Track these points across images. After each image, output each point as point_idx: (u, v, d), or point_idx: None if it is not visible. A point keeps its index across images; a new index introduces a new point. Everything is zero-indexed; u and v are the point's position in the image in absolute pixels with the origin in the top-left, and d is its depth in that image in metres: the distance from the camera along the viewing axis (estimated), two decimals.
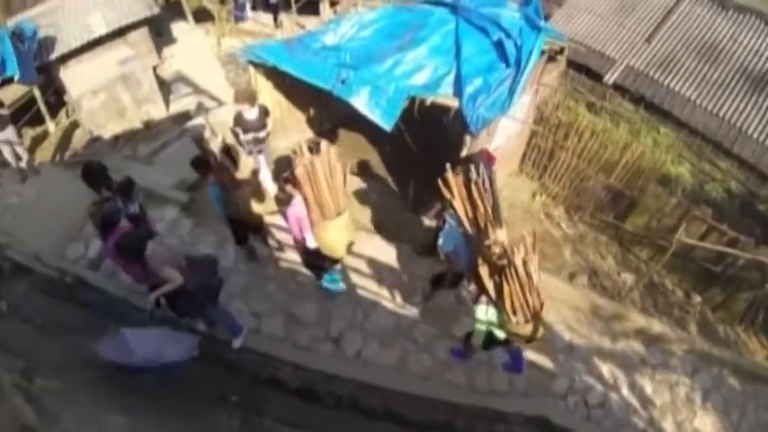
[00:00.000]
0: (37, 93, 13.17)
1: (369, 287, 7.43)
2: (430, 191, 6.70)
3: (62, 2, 14.72)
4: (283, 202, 6.46)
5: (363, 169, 9.17)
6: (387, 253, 7.92)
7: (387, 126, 6.65)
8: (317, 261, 6.52)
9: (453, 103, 6.82)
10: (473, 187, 5.20)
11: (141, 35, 14.46)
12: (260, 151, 7.91)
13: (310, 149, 5.57)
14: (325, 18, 16.00)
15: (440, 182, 5.38)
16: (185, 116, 12.75)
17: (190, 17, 17.49)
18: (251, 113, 7.51)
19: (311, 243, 6.08)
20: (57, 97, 14.23)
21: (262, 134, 7.71)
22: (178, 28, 17.32)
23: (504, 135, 7.96)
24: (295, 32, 14.83)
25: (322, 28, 8.25)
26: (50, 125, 13.64)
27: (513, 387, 6.68)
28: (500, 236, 5.00)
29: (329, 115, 9.69)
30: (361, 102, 6.71)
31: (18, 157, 10.34)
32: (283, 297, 7.25)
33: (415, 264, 7.75)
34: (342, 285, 7.23)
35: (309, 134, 9.69)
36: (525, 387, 6.70)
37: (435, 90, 6.94)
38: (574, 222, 9.24)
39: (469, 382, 6.58)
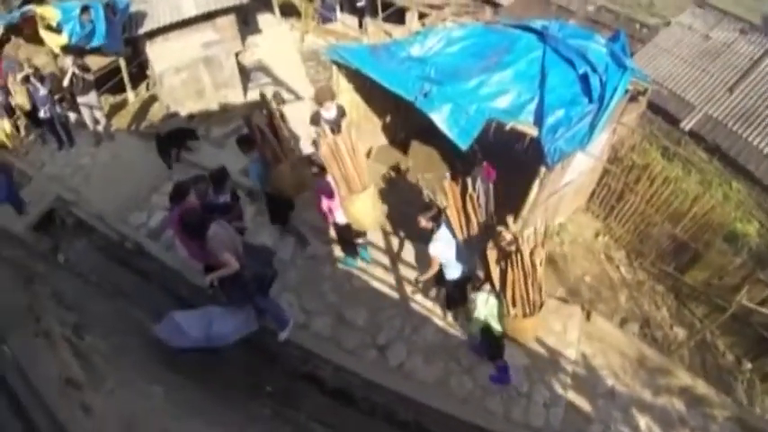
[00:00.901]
0: (122, 63, 13.72)
1: (422, 302, 7.41)
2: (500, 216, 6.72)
3: None
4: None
5: (432, 185, 9.08)
6: None
7: (463, 145, 6.63)
8: (348, 235, 7.13)
9: (533, 131, 6.75)
10: (468, 200, 5.50)
11: (228, 21, 14.84)
12: None
13: (332, 130, 6.37)
14: (412, 28, 16.10)
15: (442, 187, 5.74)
16: (261, 105, 12.80)
17: (277, 10, 17.89)
18: (329, 112, 7.61)
19: (341, 219, 6.67)
20: (139, 70, 14.77)
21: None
22: (264, 19, 17.72)
23: (577, 170, 7.85)
24: (379, 38, 15.02)
25: (409, 39, 8.30)
26: (130, 95, 14.15)
27: (548, 424, 6.55)
28: (511, 225, 5.33)
29: (404, 125, 9.72)
30: (441, 117, 6.71)
31: (96, 121, 10.74)
32: (336, 298, 7.31)
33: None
34: (362, 260, 7.66)
35: (383, 140, 9.73)
36: (560, 426, 6.55)
37: (516, 116, 6.89)
38: (633, 268, 9.03)
39: (506, 412, 6.48)
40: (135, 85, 14.49)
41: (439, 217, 6.05)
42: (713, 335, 8.55)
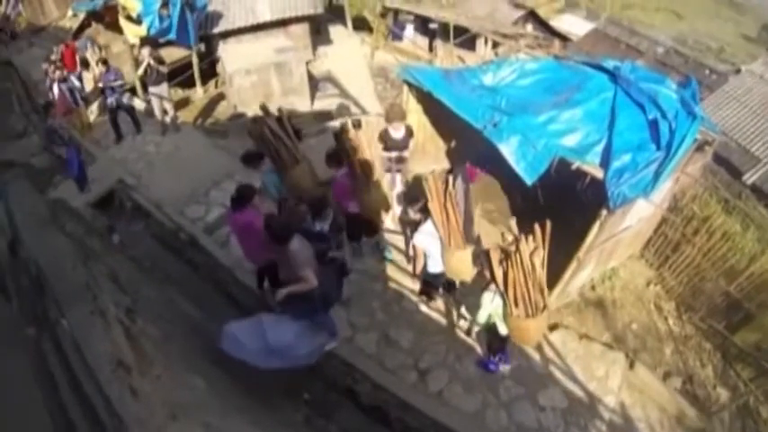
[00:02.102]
0: (194, 59, 14.16)
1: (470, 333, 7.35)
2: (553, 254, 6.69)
3: None
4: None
5: (491, 215, 9.10)
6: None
7: (529, 180, 6.60)
8: (358, 228, 7.43)
9: (598, 174, 6.68)
10: (447, 197, 5.83)
11: (301, 30, 15.17)
12: (398, 170, 8.07)
13: (354, 126, 6.78)
14: (484, 56, 16.12)
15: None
16: (327, 115, 13.12)
17: (349, 23, 18.17)
18: (398, 132, 7.70)
19: (354, 209, 7.02)
20: (210, 67, 15.21)
21: (405, 153, 7.91)
22: (336, 31, 17.99)
23: (636, 216, 7.72)
24: (449, 61, 15.07)
25: (482, 67, 8.33)
26: (199, 90, 14.58)
27: None
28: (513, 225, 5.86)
29: (467, 152, 9.63)
30: (509, 149, 6.67)
31: (164, 112, 11.08)
32: (384, 317, 7.34)
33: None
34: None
35: (446, 164, 9.74)
36: None
37: (583, 156, 6.82)
38: (682, 321, 8.80)
39: None
40: (204, 82, 14.93)
41: (426, 210, 6.24)
42: (757, 400, 8.28)
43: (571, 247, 7.29)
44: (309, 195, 6.72)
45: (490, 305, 5.72)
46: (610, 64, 7.80)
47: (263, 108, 7.12)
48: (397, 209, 8.33)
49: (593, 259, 7.57)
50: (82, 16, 16.55)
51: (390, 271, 7.95)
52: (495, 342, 6.41)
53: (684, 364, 8.33)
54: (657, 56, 18.19)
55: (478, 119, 7.06)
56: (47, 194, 9.32)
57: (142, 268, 8.12)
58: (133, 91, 11.63)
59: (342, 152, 6.73)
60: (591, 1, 48.22)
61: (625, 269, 9.13)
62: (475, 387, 6.70)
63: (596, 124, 7.08)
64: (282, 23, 14.85)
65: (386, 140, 7.72)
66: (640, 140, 6.98)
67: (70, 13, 17.79)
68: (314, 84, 14.64)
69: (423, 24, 18.61)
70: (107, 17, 14.94)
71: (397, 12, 21.05)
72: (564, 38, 26.03)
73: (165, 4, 12.73)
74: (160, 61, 10.78)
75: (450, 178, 5.98)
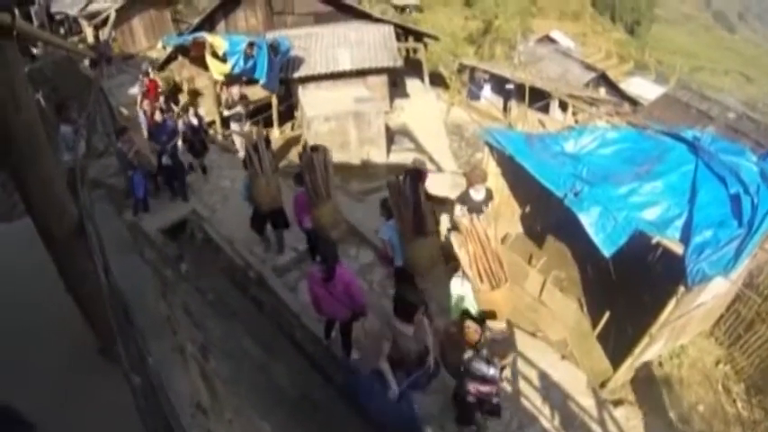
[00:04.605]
0: (274, 101, 14.66)
1: (533, 401, 7.14)
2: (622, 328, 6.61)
3: (319, 31, 16.45)
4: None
5: (561, 283, 8.97)
6: (567, 376, 7.57)
7: (607, 252, 6.50)
8: (315, 237, 7.95)
9: (678, 249, 6.53)
10: (400, 196, 6.61)
11: (380, 81, 15.65)
12: None
13: (313, 149, 7.55)
14: (554, 117, 16.15)
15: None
16: (402, 168, 12.89)
17: (426, 78, 18.54)
18: (479, 194, 7.70)
19: (307, 224, 7.78)
20: (288, 110, 15.68)
21: (482, 217, 7.86)
22: (412, 85, 18.43)
23: (711, 293, 7.49)
24: (524, 123, 15.14)
25: (564, 134, 8.33)
26: (275, 131, 15.01)
27: None
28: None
29: (542, 217, 9.69)
30: (589, 220, 6.61)
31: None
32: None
33: (585, 396, 7.38)
34: None
35: (519, 228, 9.73)
36: None
37: (663, 230, 6.69)
38: (752, 404, 8.38)
39: None
40: (281, 123, 15.40)
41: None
42: None
43: (640, 320, 7.14)
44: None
45: (460, 288, 6.13)
46: (689, 134, 7.69)
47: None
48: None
49: (664, 335, 7.36)
50: (169, 49, 17.55)
51: None
52: None
53: None
54: (729, 121, 17.83)
55: (560, 186, 7.04)
56: (123, 216, 9.59)
57: (208, 301, 8.25)
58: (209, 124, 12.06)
59: (302, 172, 7.46)
60: (660, 63, 47.93)
61: (694, 346, 8.80)
62: None
63: (677, 198, 6.94)
64: (362, 74, 15.37)
65: (466, 202, 7.74)
66: (722, 216, 6.79)
67: (160, 45, 18.84)
68: (390, 136, 14.78)
69: (498, 84, 18.83)
70: (193, 52, 15.58)
71: (473, 69, 21.58)
72: (635, 102, 25.91)
73: (250, 46, 13.25)
74: (246, 101, 11.19)
75: (401, 179, 6.79)
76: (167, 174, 10.56)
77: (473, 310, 5.87)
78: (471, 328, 5.38)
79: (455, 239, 6.02)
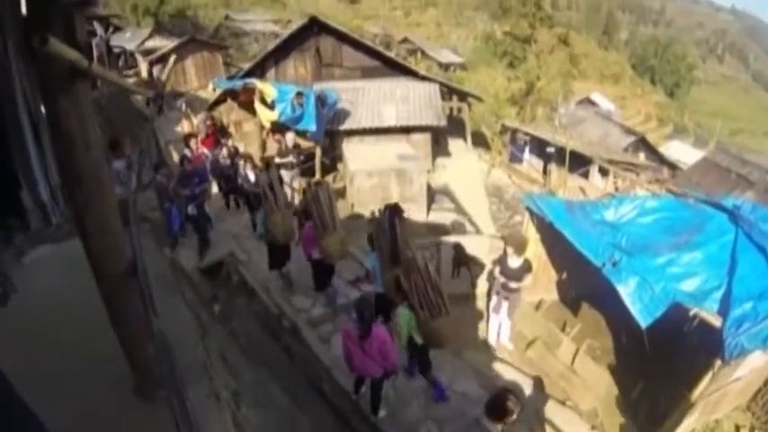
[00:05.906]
0: (318, 151, 14.95)
1: None
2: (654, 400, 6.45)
3: (365, 85, 16.87)
4: None
5: (595, 352, 8.83)
6: None
7: (644, 323, 6.39)
8: (321, 266, 8.47)
9: (716, 322, 6.41)
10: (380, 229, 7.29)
11: (423, 139, 15.86)
12: (506, 298, 8.01)
13: (317, 184, 8.29)
14: (594, 182, 16.15)
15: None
16: (441, 228, 13.18)
17: (469, 138, 18.75)
18: (515, 261, 7.65)
19: (316, 255, 8.16)
20: (331, 162, 15.98)
21: (514, 285, 7.79)
22: (454, 144, 18.60)
23: (749, 366, 7.29)
24: (563, 188, 15.13)
25: (605, 202, 8.36)
26: None
27: None
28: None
29: (578, 285, 9.58)
30: (626, 290, 6.53)
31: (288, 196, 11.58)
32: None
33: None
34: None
35: (555, 295, 9.69)
36: None
37: (702, 302, 6.57)
38: None
39: None
40: (323, 174, 15.62)
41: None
42: None
43: (674, 393, 6.96)
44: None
45: (406, 318, 6.29)
46: (729, 202, 7.62)
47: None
48: (504, 340, 8.62)
49: (698, 409, 7.14)
50: (219, 91, 18.28)
51: None
52: (419, 356, 6.81)
53: None
54: None
55: (598, 256, 7.00)
56: (164, 251, 9.75)
57: (240, 346, 8.30)
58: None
59: (308, 206, 8.03)
60: (699, 126, 47.55)
61: (729, 421, 8.47)
62: None
63: (716, 269, 6.83)
64: (406, 131, 15.59)
65: (501, 266, 7.77)
66: (762, 288, 6.63)
67: (211, 86, 19.54)
68: (431, 194, 14.69)
69: (539, 147, 18.96)
70: (242, 96, 16.09)
71: (515, 131, 21.81)
72: (673, 166, 25.70)
73: (299, 95, 13.62)
74: (299, 149, 11.48)
75: (378, 210, 7.46)
76: (193, 223, 10.75)
77: (417, 337, 6.31)
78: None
79: (401, 273, 6.45)
